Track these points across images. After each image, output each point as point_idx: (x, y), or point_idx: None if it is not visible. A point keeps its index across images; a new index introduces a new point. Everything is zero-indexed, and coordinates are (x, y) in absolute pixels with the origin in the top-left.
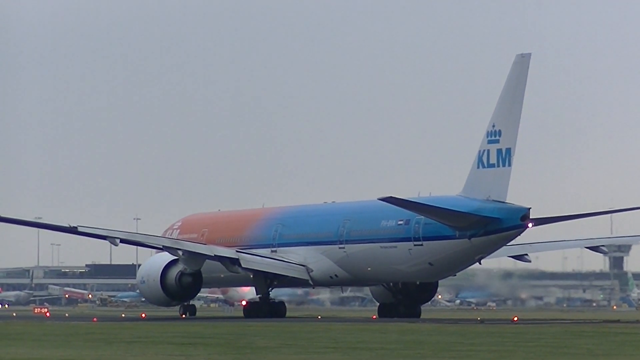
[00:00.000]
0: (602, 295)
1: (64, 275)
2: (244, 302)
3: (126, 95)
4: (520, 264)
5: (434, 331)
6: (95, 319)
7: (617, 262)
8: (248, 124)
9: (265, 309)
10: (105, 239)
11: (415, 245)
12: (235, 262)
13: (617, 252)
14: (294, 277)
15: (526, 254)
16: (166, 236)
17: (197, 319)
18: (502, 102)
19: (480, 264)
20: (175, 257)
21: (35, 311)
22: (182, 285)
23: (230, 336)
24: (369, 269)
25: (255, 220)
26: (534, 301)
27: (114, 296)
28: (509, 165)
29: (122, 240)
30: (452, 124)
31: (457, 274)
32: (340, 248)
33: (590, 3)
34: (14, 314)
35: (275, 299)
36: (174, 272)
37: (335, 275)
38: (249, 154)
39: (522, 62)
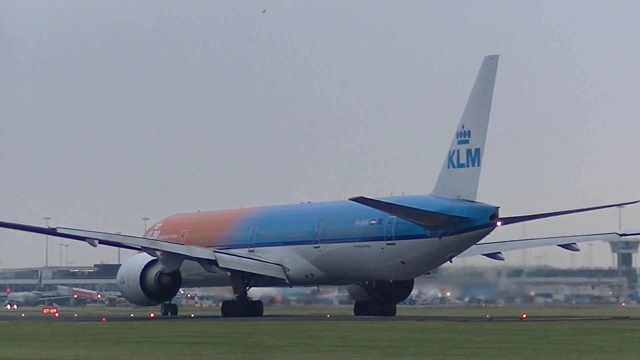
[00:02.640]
0: (610, 292)
1: (73, 275)
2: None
3: (128, 96)
4: (530, 262)
5: (443, 329)
6: (104, 319)
7: (625, 259)
8: (242, 126)
9: (242, 308)
10: (84, 239)
11: (387, 244)
12: (212, 262)
13: (625, 249)
14: (271, 277)
15: (499, 252)
16: (147, 237)
17: (206, 318)
18: (471, 103)
19: (451, 262)
20: (155, 258)
21: (44, 312)
22: (161, 285)
23: (239, 335)
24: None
25: (234, 220)
26: (543, 298)
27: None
28: (478, 165)
29: (101, 241)
30: (426, 125)
31: (430, 271)
32: (315, 247)
33: (556, 6)
34: (23, 315)
35: (252, 298)
36: (153, 272)
37: (311, 274)
38: (242, 153)
39: (490, 64)
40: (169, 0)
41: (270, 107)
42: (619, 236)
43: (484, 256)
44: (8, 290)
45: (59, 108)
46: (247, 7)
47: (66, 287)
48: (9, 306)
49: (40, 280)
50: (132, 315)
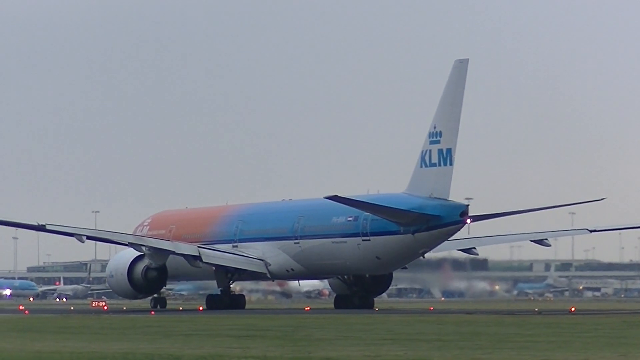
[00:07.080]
0: None
1: None
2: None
3: (120, 95)
4: (578, 255)
5: (491, 322)
6: (152, 312)
7: None
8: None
9: (225, 301)
10: (72, 236)
11: (363, 240)
12: (196, 257)
13: None
14: (253, 271)
15: (474, 248)
16: (137, 232)
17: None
18: (443, 105)
19: (423, 257)
20: (141, 253)
21: (93, 305)
22: (148, 279)
23: (288, 328)
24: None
25: (219, 217)
26: (591, 292)
27: (171, 289)
28: (450, 164)
29: (89, 237)
30: (401, 126)
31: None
32: (295, 243)
33: (525, 11)
34: (72, 308)
35: (235, 292)
36: (140, 266)
37: (292, 269)
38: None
39: (461, 67)
40: None
41: (256, 109)
42: (589, 232)
43: (532, 247)
44: (57, 283)
45: (59, 109)
46: (226, 5)
47: None
48: (58, 299)
49: (89, 273)
50: (181, 308)
